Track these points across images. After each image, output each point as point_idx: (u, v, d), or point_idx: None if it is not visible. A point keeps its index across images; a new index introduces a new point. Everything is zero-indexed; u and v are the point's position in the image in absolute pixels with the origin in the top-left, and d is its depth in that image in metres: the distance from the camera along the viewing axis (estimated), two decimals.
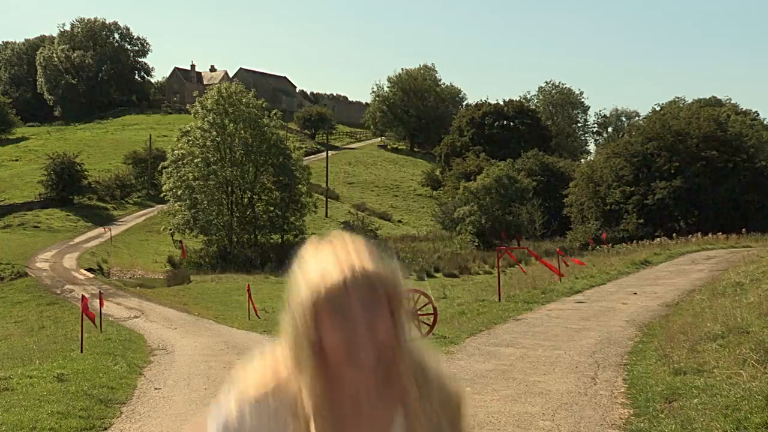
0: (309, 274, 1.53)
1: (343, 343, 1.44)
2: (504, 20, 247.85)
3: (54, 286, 34.41)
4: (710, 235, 37.72)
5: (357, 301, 1.45)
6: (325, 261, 1.53)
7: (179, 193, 47.77)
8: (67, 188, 61.50)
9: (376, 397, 1.51)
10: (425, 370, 1.56)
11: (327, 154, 70.23)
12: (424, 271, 40.07)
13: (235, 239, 48.08)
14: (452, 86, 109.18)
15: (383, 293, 1.49)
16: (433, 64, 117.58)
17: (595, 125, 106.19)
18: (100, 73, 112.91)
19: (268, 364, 1.56)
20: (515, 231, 47.13)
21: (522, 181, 50.16)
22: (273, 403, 1.50)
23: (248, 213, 49.47)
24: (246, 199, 49.92)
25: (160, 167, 53.15)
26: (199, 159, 47.84)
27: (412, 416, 1.51)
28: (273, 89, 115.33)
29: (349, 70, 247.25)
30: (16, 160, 79.48)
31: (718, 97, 78.06)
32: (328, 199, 63.53)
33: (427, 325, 11.83)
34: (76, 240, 51.17)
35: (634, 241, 38.69)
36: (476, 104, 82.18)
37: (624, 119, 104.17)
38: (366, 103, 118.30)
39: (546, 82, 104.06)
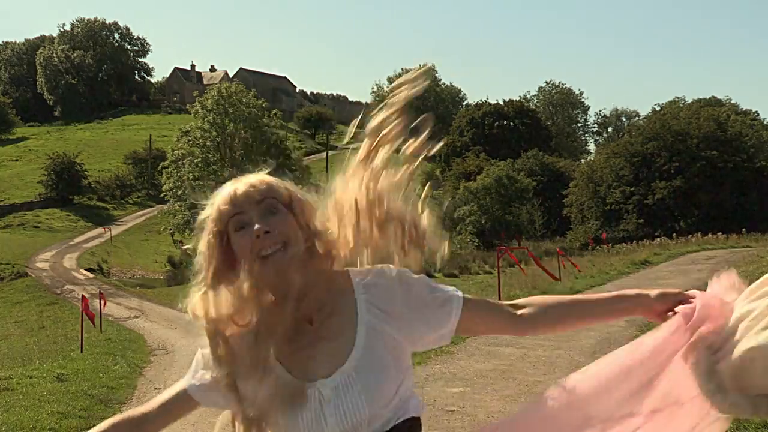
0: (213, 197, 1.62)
1: (248, 240, 1.51)
2: (504, 20, 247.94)
3: (54, 286, 34.41)
4: (710, 235, 37.71)
5: (248, 205, 1.56)
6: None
7: (179, 193, 47.79)
8: (67, 188, 61.55)
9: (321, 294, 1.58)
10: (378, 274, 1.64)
11: (327, 154, 70.29)
12: (424, 271, 40.09)
13: None
14: (452, 86, 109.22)
15: (274, 196, 1.61)
16: (433, 64, 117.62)
17: (595, 125, 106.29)
18: (100, 73, 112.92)
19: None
20: (515, 231, 47.14)
21: (522, 181, 50.16)
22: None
23: None
24: None
25: (160, 167, 53.18)
26: (199, 159, 47.86)
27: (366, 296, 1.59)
28: (273, 89, 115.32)
29: (349, 70, 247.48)
30: (16, 160, 79.51)
31: (718, 97, 78.06)
32: None
33: None
34: (76, 240, 51.20)
35: (634, 241, 38.69)
36: (476, 104, 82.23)
37: (624, 119, 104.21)
38: (366, 103, 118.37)
39: (546, 82, 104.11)
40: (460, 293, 1.69)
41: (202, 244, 1.57)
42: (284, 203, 1.62)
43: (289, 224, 1.57)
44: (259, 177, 1.68)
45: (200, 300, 1.55)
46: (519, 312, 1.68)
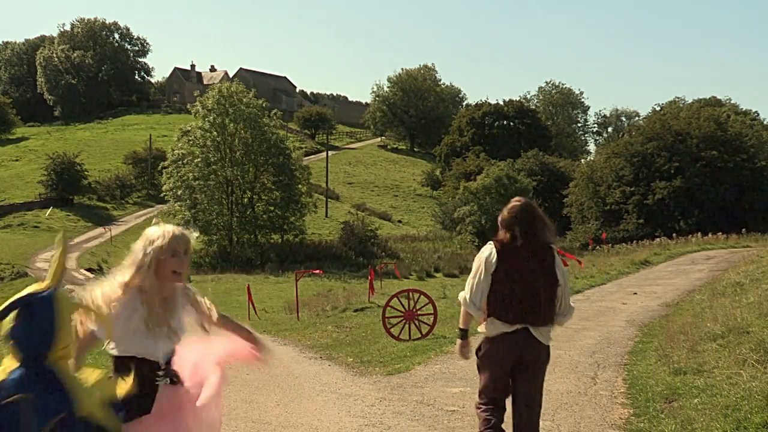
0: (153, 235, 3.34)
1: (175, 266, 3.31)
2: (504, 20, 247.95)
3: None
4: (710, 235, 37.70)
5: (181, 248, 3.33)
6: (162, 229, 3.36)
7: (179, 193, 47.79)
8: (67, 188, 61.53)
9: (170, 292, 3.37)
10: (190, 291, 3.51)
11: (327, 154, 70.23)
12: (424, 271, 40.09)
13: (235, 239, 48.09)
14: (452, 86, 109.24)
15: (190, 245, 3.40)
16: (433, 64, 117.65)
17: (595, 125, 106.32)
18: (100, 73, 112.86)
19: (117, 282, 3.28)
20: None
21: (522, 181, 50.16)
22: (126, 298, 3.23)
23: (248, 213, 49.45)
24: (246, 199, 49.91)
25: (160, 167, 53.16)
26: (200, 159, 47.83)
27: (193, 302, 3.48)
28: (273, 89, 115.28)
29: (349, 70, 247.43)
30: (16, 160, 79.48)
31: (718, 97, 78.10)
32: (328, 199, 63.53)
33: (427, 325, 11.83)
34: (76, 240, 51.16)
35: (634, 241, 38.70)
36: (476, 104, 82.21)
37: (624, 119, 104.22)
38: (366, 103, 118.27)
39: (546, 82, 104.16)
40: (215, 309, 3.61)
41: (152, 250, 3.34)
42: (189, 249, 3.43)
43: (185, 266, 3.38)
44: (180, 229, 3.40)
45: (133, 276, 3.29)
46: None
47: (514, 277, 4.17)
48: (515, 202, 4.39)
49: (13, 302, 2.29)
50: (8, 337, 2.30)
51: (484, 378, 4.33)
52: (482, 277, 4.20)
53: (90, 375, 2.59)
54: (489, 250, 4.26)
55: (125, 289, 3.23)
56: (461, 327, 4.43)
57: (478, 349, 4.38)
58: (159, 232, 3.31)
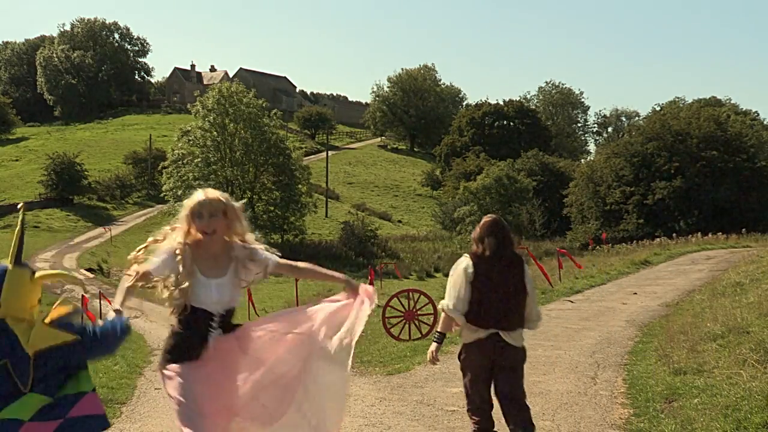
0: (188, 201, 3.73)
1: (202, 227, 3.65)
2: (504, 20, 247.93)
3: (54, 286, 34.35)
4: (710, 235, 37.69)
5: (206, 211, 3.67)
6: (195, 194, 3.75)
7: (179, 193, 47.75)
8: (67, 188, 61.53)
9: (220, 250, 3.73)
10: (247, 248, 3.80)
11: (327, 154, 70.23)
12: (424, 271, 40.09)
13: None
14: (452, 86, 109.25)
15: (220, 208, 3.70)
16: (433, 64, 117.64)
17: (595, 125, 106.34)
18: (100, 73, 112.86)
19: (170, 240, 3.70)
20: (515, 231, 47.13)
21: (522, 181, 50.17)
22: (174, 252, 3.62)
23: (248, 213, 49.38)
24: (246, 199, 49.80)
25: (160, 167, 53.17)
26: (200, 159, 47.83)
27: (236, 260, 3.75)
28: (273, 89, 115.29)
29: (349, 70, 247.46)
30: (16, 160, 79.50)
31: (718, 97, 78.19)
32: (328, 199, 63.53)
33: (427, 325, 11.82)
34: (76, 240, 51.17)
35: (634, 241, 38.67)
36: (476, 104, 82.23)
37: (624, 119, 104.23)
38: (366, 103, 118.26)
39: (546, 82, 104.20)
40: (275, 258, 3.85)
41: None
42: (222, 211, 3.72)
43: (219, 223, 3.72)
44: (216, 194, 3.78)
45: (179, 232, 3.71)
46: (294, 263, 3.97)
47: (488, 286, 4.59)
48: (486, 218, 4.86)
49: None
50: None
51: (467, 380, 4.74)
52: (463, 287, 4.62)
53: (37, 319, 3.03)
54: (465, 262, 4.69)
55: (180, 246, 3.62)
56: (440, 331, 4.83)
57: (460, 354, 4.78)
58: (192, 197, 3.74)
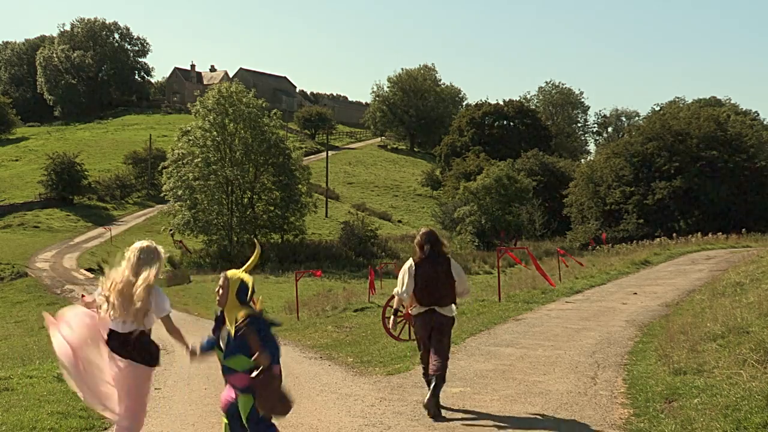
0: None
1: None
2: (504, 20, 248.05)
3: (54, 286, 34.41)
4: (710, 235, 37.73)
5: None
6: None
7: (179, 193, 47.75)
8: (67, 188, 61.54)
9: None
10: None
11: (327, 154, 70.23)
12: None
13: (235, 239, 48.04)
14: (452, 86, 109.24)
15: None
16: (433, 64, 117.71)
17: (595, 125, 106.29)
18: (100, 73, 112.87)
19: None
20: (515, 231, 47.10)
21: (522, 181, 50.13)
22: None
23: (248, 213, 49.43)
24: (246, 199, 49.89)
25: (160, 167, 53.15)
26: (200, 159, 47.80)
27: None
28: (273, 89, 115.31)
29: (349, 70, 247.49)
30: (16, 160, 79.51)
31: (718, 97, 78.22)
32: (328, 199, 63.53)
33: None
34: (76, 240, 51.20)
35: (634, 241, 38.68)
36: (476, 104, 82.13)
37: (624, 119, 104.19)
38: (366, 103, 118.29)
39: (546, 82, 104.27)
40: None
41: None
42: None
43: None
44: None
45: None
46: None
47: (425, 277, 6.76)
48: (424, 230, 7.15)
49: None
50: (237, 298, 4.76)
51: (418, 338, 7.06)
52: (407, 279, 6.81)
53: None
54: (409, 262, 6.92)
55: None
56: (395, 307, 7.42)
57: (413, 322, 7.02)
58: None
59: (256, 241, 5.39)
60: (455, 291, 6.81)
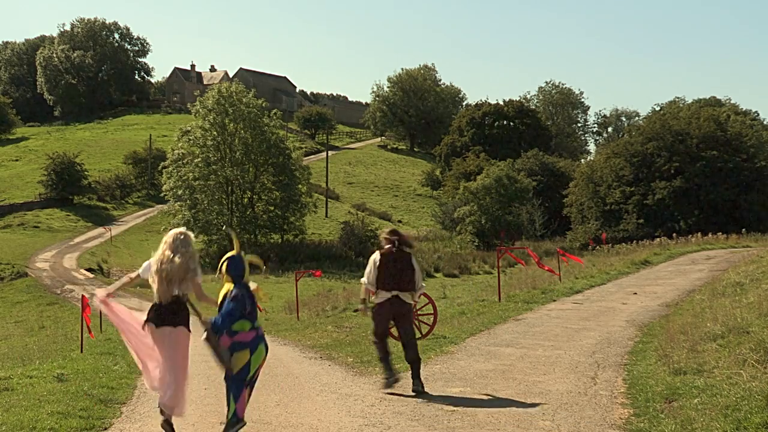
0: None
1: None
2: (504, 20, 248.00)
3: (54, 286, 34.40)
4: (710, 235, 37.71)
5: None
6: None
7: (179, 193, 47.74)
8: (67, 188, 61.53)
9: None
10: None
11: (327, 154, 70.24)
12: (424, 271, 40.05)
13: None
14: (452, 86, 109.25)
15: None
16: (433, 64, 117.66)
17: (595, 125, 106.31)
18: (100, 73, 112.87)
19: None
20: (515, 231, 47.07)
21: (522, 181, 50.10)
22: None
23: (248, 213, 49.43)
24: (246, 199, 49.89)
25: (160, 167, 53.15)
26: (200, 159, 47.81)
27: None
28: (273, 89, 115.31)
29: (349, 70, 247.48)
30: (16, 160, 79.51)
31: (718, 97, 78.12)
32: (328, 199, 63.54)
33: (427, 325, 11.82)
34: (76, 240, 51.18)
35: (634, 241, 38.66)
36: (476, 104, 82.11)
37: (624, 119, 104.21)
38: (366, 103, 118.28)
39: (546, 82, 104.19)
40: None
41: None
42: None
43: None
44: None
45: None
46: None
47: (389, 268, 7.66)
48: (389, 228, 8.18)
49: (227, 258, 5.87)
50: (228, 273, 5.85)
51: (375, 324, 7.81)
52: (373, 269, 7.73)
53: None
54: (375, 255, 7.83)
55: None
56: (363, 298, 7.99)
57: (374, 309, 7.80)
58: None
59: (233, 234, 6.33)
60: (415, 281, 7.73)
